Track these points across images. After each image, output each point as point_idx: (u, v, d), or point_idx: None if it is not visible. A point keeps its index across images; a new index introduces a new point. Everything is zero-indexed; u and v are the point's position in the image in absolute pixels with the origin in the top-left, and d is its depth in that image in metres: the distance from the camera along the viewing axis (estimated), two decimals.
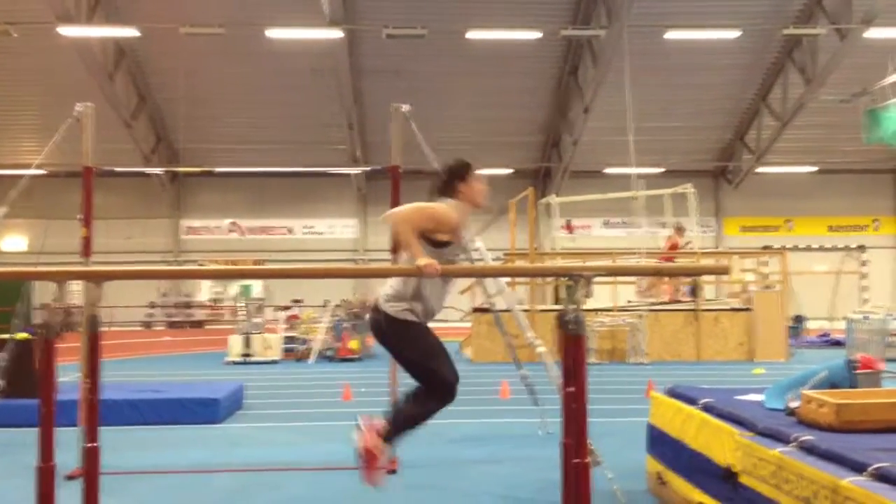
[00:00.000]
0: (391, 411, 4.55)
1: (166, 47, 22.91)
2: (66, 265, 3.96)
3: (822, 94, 23.63)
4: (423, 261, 4.08)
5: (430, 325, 4.50)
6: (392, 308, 4.36)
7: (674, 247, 17.93)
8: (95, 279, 4.12)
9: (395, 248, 4.49)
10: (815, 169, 29.88)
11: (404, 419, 4.47)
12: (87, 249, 6.28)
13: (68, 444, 5.82)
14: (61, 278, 3.73)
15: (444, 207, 4.43)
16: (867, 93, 20.26)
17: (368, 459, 4.44)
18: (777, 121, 26.04)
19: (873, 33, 20.30)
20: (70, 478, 5.88)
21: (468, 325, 16.65)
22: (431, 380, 4.41)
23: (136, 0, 21.58)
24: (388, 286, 4.42)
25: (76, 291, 23.21)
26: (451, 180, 4.57)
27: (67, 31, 20.02)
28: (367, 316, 4.61)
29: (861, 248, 31.67)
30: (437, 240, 4.35)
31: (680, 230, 18.16)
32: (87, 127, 6.30)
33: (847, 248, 31.72)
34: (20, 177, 6.38)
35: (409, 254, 4.22)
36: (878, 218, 31.78)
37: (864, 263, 31.50)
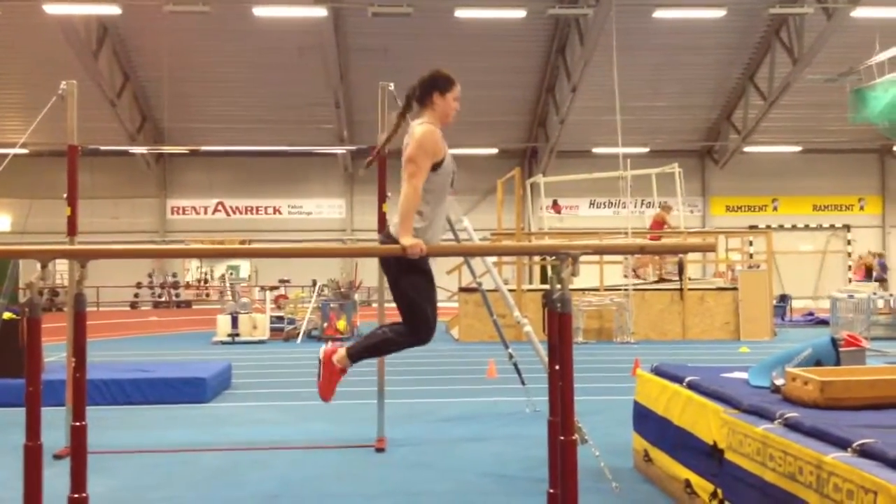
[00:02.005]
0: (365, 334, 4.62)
1: (150, 25, 22.72)
2: (51, 245, 3.94)
3: (809, 73, 23.68)
4: (408, 241, 4.13)
5: None
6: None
7: (658, 224, 17.97)
8: (81, 258, 4.10)
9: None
10: (800, 148, 29.98)
11: (373, 342, 4.57)
12: (72, 228, 6.24)
13: (55, 424, 5.82)
14: (46, 257, 3.71)
15: (426, 132, 4.42)
16: (853, 72, 20.30)
17: (328, 368, 4.52)
18: (763, 100, 26.09)
19: (860, 12, 20.32)
20: (58, 457, 5.88)
21: (455, 304, 16.67)
22: (416, 317, 4.48)
23: None
24: (396, 217, 4.46)
25: (62, 272, 23.12)
26: (430, 90, 4.54)
27: (52, 8, 19.83)
28: (378, 238, 4.68)
29: (846, 227, 31.88)
30: (435, 162, 4.41)
31: (667, 208, 18.20)
32: (72, 105, 6.24)
33: (832, 228, 31.93)
34: (3, 156, 6.33)
35: (399, 227, 4.25)
36: (863, 197, 31.96)
37: (849, 243, 31.72)
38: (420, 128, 4.43)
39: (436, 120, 4.51)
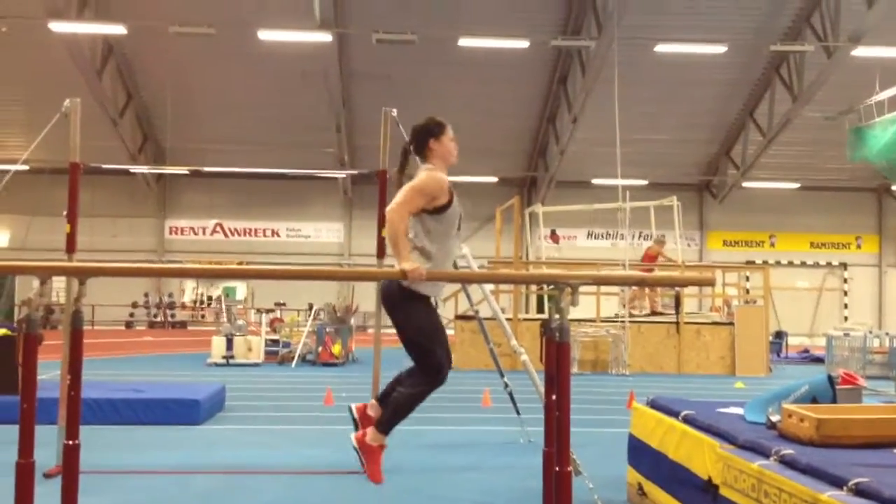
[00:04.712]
0: (383, 398, 4.56)
1: (155, 46, 22.85)
2: (50, 262, 3.95)
3: (808, 111, 23.82)
4: (408, 265, 4.12)
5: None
6: (406, 283, 4.34)
7: (651, 258, 18.00)
8: (79, 275, 4.10)
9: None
10: (798, 185, 30.09)
11: (396, 405, 4.49)
12: (71, 245, 6.24)
13: (46, 442, 5.78)
14: (45, 273, 3.71)
15: (429, 175, 4.44)
16: (853, 111, 20.41)
17: (367, 453, 4.48)
18: (762, 136, 26.21)
19: (860, 52, 20.45)
20: (49, 475, 5.84)
21: (451, 332, 16.64)
22: (426, 358, 4.45)
23: None
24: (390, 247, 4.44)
25: (59, 289, 23.05)
26: (425, 139, 4.59)
27: (58, 26, 19.94)
28: (381, 284, 4.63)
29: (843, 265, 31.91)
30: (436, 206, 4.41)
31: (661, 242, 18.25)
32: (75, 123, 6.26)
33: (829, 265, 31.96)
34: (4, 172, 6.33)
35: (395, 255, 4.24)
36: (860, 236, 32.02)
37: (845, 281, 31.74)
38: (425, 172, 4.47)
39: (440, 164, 4.55)
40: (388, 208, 4.36)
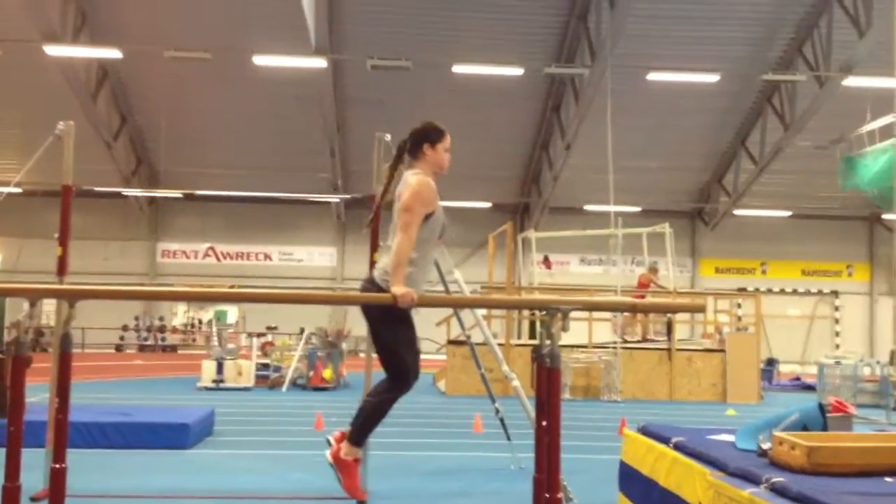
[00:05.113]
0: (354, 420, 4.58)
1: (151, 70, 22.92)
2: (40, 284, 3.94)
3: (800, 139, 23.97)
4: (400, 290, 4.14)
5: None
6: (386, 284, 4.40)
7: (643, 285, 18.04)
8: (68, 297, 4.09)
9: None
10: (790, 213, 30.21)
11: (365, 415, 4.54)
12: (62, 268, 6.22)
13: (36, 465, 5.73)
14: (35, 295, 3.70)
15: (419, 182, 4.45)
16: (844, 140, 20.51)
17: (342, 468, 4.48)
18: (754, 165, 26.36)
19: (852, 81, 20.62)
20: (35, 499, 5.78)
21: (443, 357, 16.59)
22: (395, 365, 4.49)
23: (123, 21, 21.61)
24: (383, 262, 4.47)
25: (50, 312, 22.94)
26: (421, 142, 4.60)
27: (53, 50, 19.99)
28: (360, 285, 4.68)
29: (834, 293, 31.98)
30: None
31: (654, 270, 18.27)
32: (69, 145, 6.26)
33: (820, 293, 32.04)
34: None
35: (391, 277, 4.26)
36: (851, 264, 32.13)
37: (837, 309, 31.81)
38: (415, 178, 4.47)
39: (429, 171, 4.56)
40: (397, 239, 4.36)
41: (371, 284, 4.51)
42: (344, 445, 4.54)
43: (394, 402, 4.54)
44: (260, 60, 20.87)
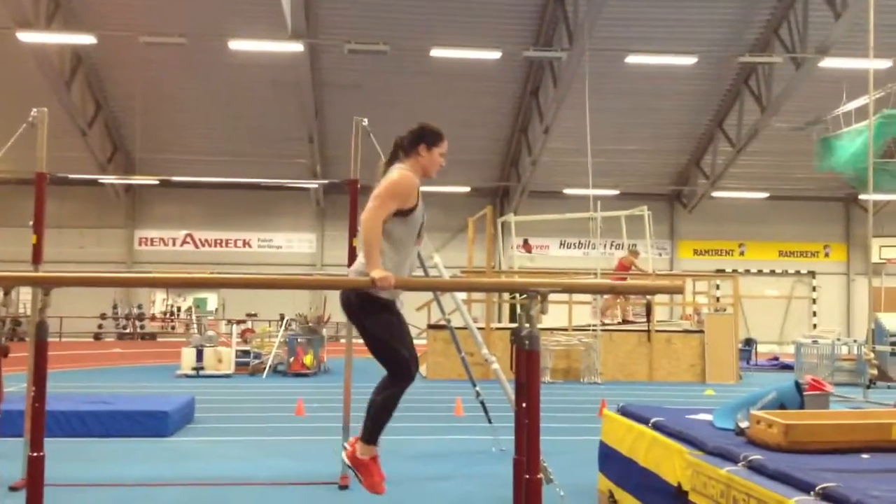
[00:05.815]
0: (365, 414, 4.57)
1: (125, 56, 22.67)
2: (15, 272, 3.91)
3: (776, 121, 24.08)
4: (378, 273, 4.08)
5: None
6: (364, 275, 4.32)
7: (624, 267, 18.10)
8: (44, 285, 4.05)
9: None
10: (767, 195, 30.39)
11: (373, 415, 4.49)
12: (37, 256, 6.18)
13: (12, 455, 5.70)
14: (8, 283, 3.66)
15: (402, 177, 4.40)
16: (820, 121, 20.66)
17: (360, 468, 4.48)
18: (732, 147, 26.47)
19: (828, 63, 20.72)
20: (14, 488, 5.75)
21: (423, 341, 16.61)
22: (391, 361, 4.43)
23: (96, 7, 21.36)
24: (359, 262, 4.41)
25: (27, 301, 22.76)
26: (418, 141, 4.55)
27: (26, 36, 19.73)
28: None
29: (811, 273, 32.25)
30: (403, 209, 4.37)
31: (635, 253, 18.35)
32: (42, 133, 6.21)
33: (798, 274, 32.30)
34: None
35: (366, 261, 4.22)
36: (828, 244, 32.38)
37: (814, 289, 32.09)
38: (398, 171, 4.43)
39: (417, 170, 4.51)
40: (363, 214, 4.33)
41: (348, 291, 4.48)
42: (358, 446, 4.51)
43: (400, 397, 4.47)
44: (236, 45, 20.70)
